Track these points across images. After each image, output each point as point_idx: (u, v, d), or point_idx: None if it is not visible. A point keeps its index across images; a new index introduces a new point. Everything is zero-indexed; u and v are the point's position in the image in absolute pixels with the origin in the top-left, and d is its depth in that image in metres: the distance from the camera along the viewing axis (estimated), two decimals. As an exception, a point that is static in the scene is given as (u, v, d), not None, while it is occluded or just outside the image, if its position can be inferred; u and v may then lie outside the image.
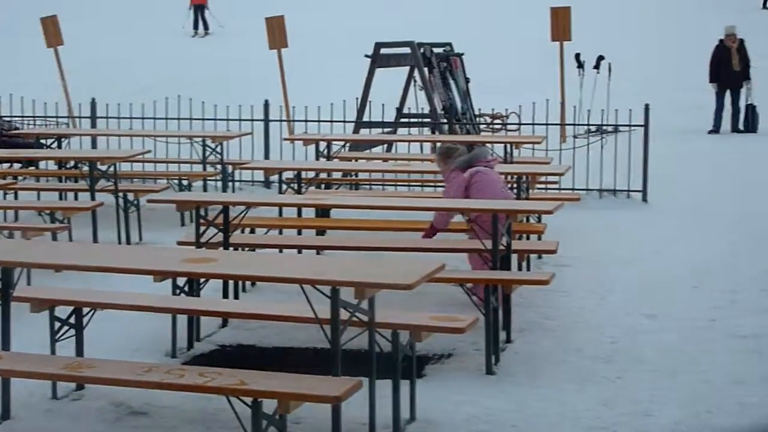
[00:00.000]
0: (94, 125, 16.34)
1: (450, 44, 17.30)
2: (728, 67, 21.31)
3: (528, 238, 10.83)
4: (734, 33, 21.58)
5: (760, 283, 10.17)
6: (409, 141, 15.60)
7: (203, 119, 15.78)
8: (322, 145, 13.40)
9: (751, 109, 21.31)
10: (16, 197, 13.02)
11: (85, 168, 12.13)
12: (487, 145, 14.12)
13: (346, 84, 19.53)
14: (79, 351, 7.11)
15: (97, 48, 30.70)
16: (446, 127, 15.81)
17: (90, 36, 31.68)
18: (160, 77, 25.29)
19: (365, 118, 15.86)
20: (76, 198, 12.81)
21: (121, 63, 28.94)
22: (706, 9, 41.98)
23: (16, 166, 14.72)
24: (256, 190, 15.16)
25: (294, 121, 16.79)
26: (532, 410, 6.85)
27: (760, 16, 42.48)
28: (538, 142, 13.75)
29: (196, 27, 36.62)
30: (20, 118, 16.91)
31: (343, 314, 5.91)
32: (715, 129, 21.16)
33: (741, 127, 21.21)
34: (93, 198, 11.71)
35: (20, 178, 13.67)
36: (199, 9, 36.69)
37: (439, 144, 10.08)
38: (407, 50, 16.11)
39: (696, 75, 29.34)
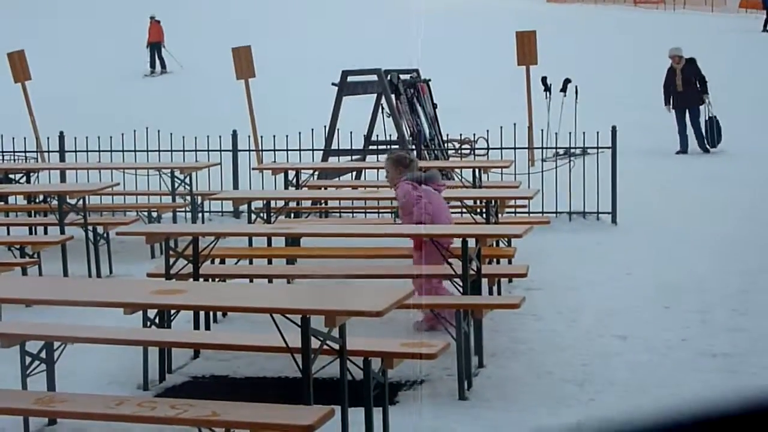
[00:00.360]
0: (62, 159, 16.30)
1: (417, 71, 17.37)
2: (675, 88, 21.49)
3: (498, 262, 10.86)
4: (677, 54, 21.72)
5: (730, 302, 10.23)
6: (378, 168, 15.60)
7: (171, 151, 15.77)
8: (291, 173, 13.41)
9: (711, 124, 21.42)
10: (-16, 233, 12.97)
11: (55, 202, 12.11)
12: (456, 170, 14.22)
13: (313, 112, 19.55)
14: (51, 385, 7.08)
15: (64, 83, 30.63)
16: (414, 153, 15.85)
17: (58, 71, 31.61)
18: (127, 111, 25.25)
19: (333, 146, 15.89)
20: (45, 232, 12.78)
21: (88, 98, 28.89)
22: (683, 32, 42.33)
23: (-15, 201, 14.67)
24: (225, 220, 15.15)
25: (262, 150, 16.81)
26: (506, 434, 6.86)
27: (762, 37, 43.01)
28: (507, 167, 13.81)
29: (152, 66, 35.84)
30: (-12, 154, 16.86)
31: (314, 343, 5.92)
32: (683, 149, 21.28)
33: (707, 145, 21.34)
34: (62, 232, 11.68)
35: (-11, 213, 13.62)
36: (155, 47, 35.88)
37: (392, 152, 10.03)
38: (374, 78, 16.17)
39: (661, 95, 29.59)
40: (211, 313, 9.50)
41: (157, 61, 35.85)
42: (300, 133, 15.55)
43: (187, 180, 14.13)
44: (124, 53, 35.86)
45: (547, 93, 20.72)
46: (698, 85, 21.35)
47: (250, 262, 10.87)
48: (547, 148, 16.44)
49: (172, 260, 8.75)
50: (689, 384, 7.81)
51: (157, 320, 8.15)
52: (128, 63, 35.11)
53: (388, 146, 16.50)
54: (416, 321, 9.01)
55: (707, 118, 21.37)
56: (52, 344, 7.14)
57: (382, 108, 16.62)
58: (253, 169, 14.90)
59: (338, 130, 15.71)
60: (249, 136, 17.50)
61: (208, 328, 9.29)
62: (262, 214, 11.69)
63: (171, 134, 15.68)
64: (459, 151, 19.19)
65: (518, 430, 6.93)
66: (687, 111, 21.40)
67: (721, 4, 70.34)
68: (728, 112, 23.77)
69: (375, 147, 16.76)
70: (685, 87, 21.36)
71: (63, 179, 16.10)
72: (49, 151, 17.18)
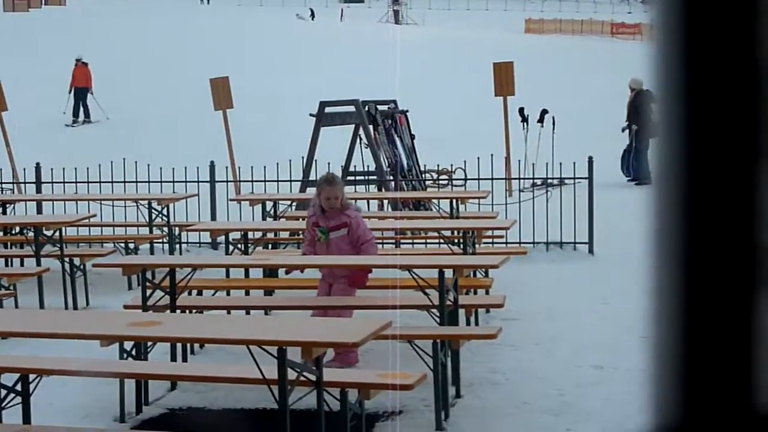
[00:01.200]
0: (39, 190, 16.25)
1: (395, 101, 17.43)
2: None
3: (475, 293, 10.87)
4: (631, 85, 21.83)
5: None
6: (356, 199, 15.63)
7: (149, 182, 15.75)
8: (269, 204, 13.41)
9: (632, 155, 21.50)
10: (-40, 264, 12.91)
11: (31, 234, 12.07)
12: (434, 200, 14.25)
13: (291, 143, 19.58)
14: (26, 418, 7.04)
15: (41, 113, 30.59)
16: (392, 184, 15.88)
17: (33, 101, 31.57)
18: (101, 140, 25.22)
19: (311, 177, 15.90)
20: (21, 264, 12.73)
21: (64, 126, 28.85)
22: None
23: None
24: (203, 251, 15.13)
25: (240, 181, 16.81)
26: (483, 465, 6.86)
27: None
28: (484, 197, 13.85)
29: (75, 114, 32.43)
30: (-36, 185, 16.81)
31: (291, 374, 5.91)
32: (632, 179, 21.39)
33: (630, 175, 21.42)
34: (39, 264, 11.64)
35: (-35, 245, 13.57)
36: (80, 93, 32.42)
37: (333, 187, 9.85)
38: (352, 108, 16.21)
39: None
40: (188, 345, 9.48)
41: (81, 110, 32.57)
42: (278, 163, 15.57)
43: (165, 211, 14.11)
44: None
45: (525, 123, 20.83)
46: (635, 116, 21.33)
47: (228, 294, 10.84)
48: (524, 178, 16.51)
49: (149, 292, 8.74)
50: (666, 414, 7.82)
51: (133, 352, 8.12)
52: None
53: (366, 177, 16.54)
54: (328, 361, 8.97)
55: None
56: (27, 377, 7.10)
57: (360, 139, 16.65)
58: (231, 200, 14.89)
59: (316, 160, 15.73)
60: (227, 167, 17.51)
61: (185, 359, 9.26)
62: (239, 245, 11.69)
63: (148, 165, 15.67)
64: (437, 182, 19.24)
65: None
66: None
67: (696, 35, 70.74)
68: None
69: (353, 177, 16.78)
70: (631, 112, 21.41)
71: (39, 211, 16.04)
72: (25, 183, 17.13)
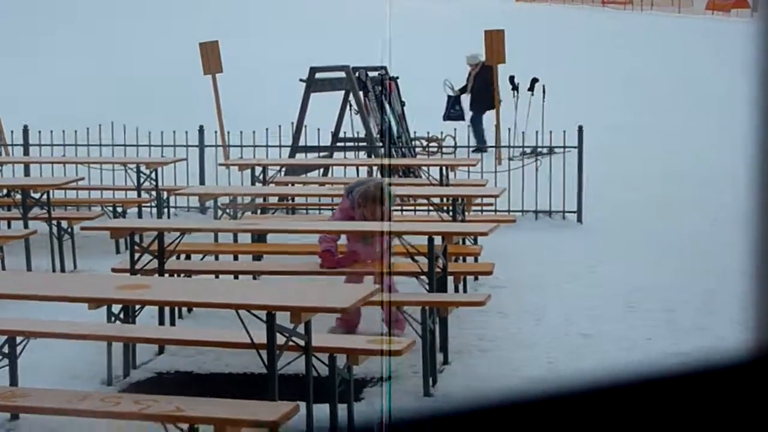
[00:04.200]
0: (26, 153, 16.17)
1: (385, 68, 17.35)
2: (472, 91, 21.60)
3: (464, 260, 10.87)
4: (471, 62, 21.71)
5: (696, 302, 10.27)
6: (345, 165, 15.62)
7: (137, 146, 15.68)
8: (258, 170, 13.37)
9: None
10: (-53, 226, 12.86)
11: (18, 196, 12.01)
12: (423, 168, 14.22)
13: (281, 109, 19.51)
14: (13, 381, 7.03)
15: (29, 76, 30.44)
16: (382, 150, 15.85)
17: (21, 64, 31.41)
18: (89, 103, 25.10)
19: (301, 143, 15.85)
20: (9, 226, 12.67)
21: (52, 89, 28.72)
22: (650, 32, 42.62)
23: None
24: (191, 216, 15.08)
25: (229, 146, 16.74)
26: (471, 432, 6.85)
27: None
28: (474, 165, 13.82)
29: None
30: (-49, 147, 16.72)
31: (280, 339, 5.90)
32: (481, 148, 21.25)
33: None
34: (26, 226, 11.59)
35: (-48, 207, 13.51)
36: None
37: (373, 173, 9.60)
38: (342, 74, 16.14)
39: (627, 95, 29.76)
40: (177, 309, 9.45)
41: None
42: (267, 129, 15.52)
43: (153, 175, 14.05)
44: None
45: (515, 92, 20.78)
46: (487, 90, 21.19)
47: (216, 258, 10.82)
48: (514, 147, 16.47)
49: (137, 255, 8.71)
50: (653, 382, 7.84)
51: (121, 315, 8.10)
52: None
53: (356, 143, 16.49)
54: (332, 326, 8.95)
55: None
56: (14, 339, 7.09)
57: (350, 105, 16.59)
58: (220, 164, 14.84)
59: (306, 126, 15.67)
60: (216, 132, 17.44)
61: (173, 323, 9.24)
62: (228, 210, 11.65)
63: (137, 129, 15.61)
64: (426, 149, 19.21)
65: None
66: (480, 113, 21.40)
67: (687, 5, 70.81)
68: (694, 112, 23.90)
69: (342, 144, 16.73)
70: (480, 91, 21.24)
71: (27, 173, 15.97)
72: (12, 145, 17.04)
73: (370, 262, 8.98)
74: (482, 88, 21.06)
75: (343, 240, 9.35)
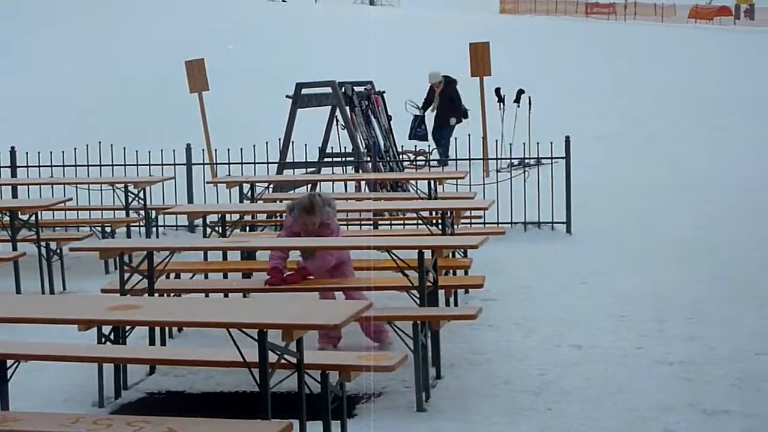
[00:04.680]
0: (14, 174, 16.14)
1: (371, 83, 17.38)
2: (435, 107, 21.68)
3: (454, 274, 10.85)
4: (433, 81, 21.75)
5: (686, 311, 10.28)
6: (333, 180, 15.60)
7: (125, 165, 15.67)
8: (246, 187, 13.36)
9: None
10: (-65, 250, 12.82)
11: (6, 218, 11.97)
12: (411, 182, 14.22)
13: (268, 125, 19.52)
14: (4, 404, 6.99)
15: (14, 96, 30.38)
16: (369, 165, 15.85)
17: (7, 85, 31.36)
18: (76, 124, 25.08)
19: (288, 159, 15.85)
20: (-3, 248, 12.64)
21: (38, 110, 28.68)
22: (633, 42, 42.78)
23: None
24: (180, 234, 15.06)
25: (217, 164, 16.74)
26: (464, 446, 6.85)
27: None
28: (461, 177, 13.82)
29: None
30: (-62, 170, 16.66)
31: (272, 357, 5.88)
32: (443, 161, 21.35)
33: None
34: (15, 248, 11.55)
35: (-60, 230, 13.46)
36: None
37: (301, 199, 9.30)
38: (328, 90, 16.16)
39: (613, 105, 29.85)
40: (167, 329, 9.44)
41: None
42: (254, 146, 15.51)
43: (141, 194, 14.04)
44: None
45: (501, 104, 20.82)
46: (452, 105, 21.31)
47: (206, 277, 10.78)
48: (501, 158, 16.50)
49: (126, 275, 8.69)
50: (645, 392, 7.84)
51: (112, 336, 8.07)
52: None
53: (344, 158, 16.49)
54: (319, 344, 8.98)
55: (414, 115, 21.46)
56: (5, 362, 7.05)
57: (337, 120, 16.60)
58: (208, 182, 14.83)
59: (293, 142, 15.68)
60: (203, 150, 17.44)
61: (163, 343, 9.22)
62: (217, 228, 11.63)
63: (124, 148, 15.58)
64: (414, 163, 19.22)
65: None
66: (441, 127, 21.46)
67: (670, 14, 71.10)
68: (679, 120, 23.95)
69: (330, 159, 16.73)
70: (446, 107, 21.37)
71: (15, 195, 15.94)
72: (0, 166, 17.01)
73: (320, 276, 8.98)
74: (448, 104, 21.21)
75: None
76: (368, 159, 16.00)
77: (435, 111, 21.60)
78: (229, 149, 15.58)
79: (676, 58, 42.21)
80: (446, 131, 21.20)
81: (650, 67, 39.55)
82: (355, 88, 16.55)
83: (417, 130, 21.38)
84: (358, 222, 13.51)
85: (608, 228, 14.78)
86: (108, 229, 13.72)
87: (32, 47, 39.24)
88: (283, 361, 5.98)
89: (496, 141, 16.58)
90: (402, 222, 13.74)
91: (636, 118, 28.01)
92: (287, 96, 16.17)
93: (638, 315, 10.14)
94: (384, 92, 17.49)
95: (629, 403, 7.59)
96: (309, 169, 16.37)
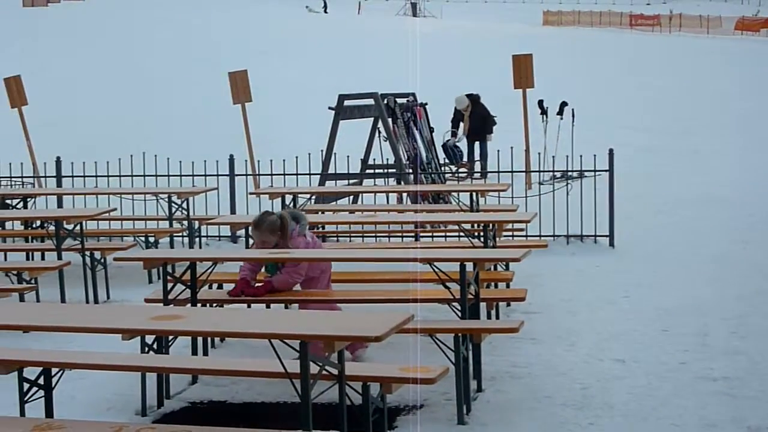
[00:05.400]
0: (59, 184, 16.29)
1: (413, 94, 17.39)
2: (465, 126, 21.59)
3: (496, 286, 10.84)
4: (459, 106, 21.66)
5: (729, 325, 10.21)
6: (375, 192, 15.63)
7: (168, 176, 15.76)
8: (288, 198, 13.40)
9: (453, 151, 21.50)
10: (-18, 259, 12.96)
11: (52, 227, 12.07)
12: (453, 194, 14.22)
13: (310, 136, 19.58)
14: (49, 412, 7.05)
15: (60, 107, 30.63)
16: (412, 177, 15.86)
17: (53, 95, 31.62)
18: (121, 134, 25.25)
19: (330, 170, 15.89)
20: (42, 258, 12.75)
21: (84, 121, 28.90)
22: (679, 54, 42.50)
23: (-18, 227, 14.64)
24: (223, 245, 15.14)
25: (259, 175, 16.80)
26: (505, 459, 6.84)
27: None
28: (504, 190, 13.79)
29: None
30: (-15, 179, 16.86)
31: (313, 368, 5.89)
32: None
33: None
34: (60, 257, 11.65)
35: (-14, 239, 13.61)
36: None
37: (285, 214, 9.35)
38: (371, 101, 16.18)
39: (658, 117, 29.68)
40: (209, 339, 9.48)
41: None
42: (297, 157, 15.56)
43: (185, 205, 14.13)
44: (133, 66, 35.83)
45: (544, 116, 20.77)
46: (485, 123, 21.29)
47: (248, 287, 10.80)
48: (544, 171, 16.45)
49: (169, 285, 8.74)
50: (688, 408, 7.79)
51: (155, 346, 8.13)
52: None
53: (385, 170, 16.51)
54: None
55: (451, 146, 21.37)
56: (50, 370, 7.11)
57: (379, 132, 16.62)
58: (251, 193, 14.89)
59: (335, 154, 15.71)
60: (246, 161, 17.52)
61: (206, 353, 9.27)
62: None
63: (168, 159, 15.68)
64: (456, 175, 19.21)
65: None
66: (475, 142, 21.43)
67: (716, 26, 70.64)
68: (724, 133, 23.79)
69: (372, 171, 16.76)
70: (476, 126, 21.35)
71: (60, 205, 16.09)
72: (45, 177, 17.17)
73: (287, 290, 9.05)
74: (481, 123, 21.21)
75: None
76: (410, 171, 16.01)
77: (466, 133, 21.57)
78: (271, 160, 15.64)
79: (722, 71, 41.94)
80: (484, 144, 21.21)
81: (695, 79, 39.34)
82: (397, 99, 16.57)
83: (454, 153, 21.35)
84: (400, 234, 13.52)
85: (651, 241, 14.71)
86: (151, 239, 13.81)
87: (78, 60, 39.59)
88: (324, 372, 6.00)
89: (539, 153, 16.56)
90: (444, 234, 13.74)
91: (680, 131, 27.85)
92: (330, 108, 16.21)
93: (681, 329, 10.09)
94: (426, 104, 17.50)
95: (672, 419, 7.54)
96: (351, 181, 16.39)
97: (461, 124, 21.56)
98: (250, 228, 9.20)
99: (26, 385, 7.07)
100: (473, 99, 21.51)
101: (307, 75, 36.24)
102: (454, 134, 21.48)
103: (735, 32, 67.98)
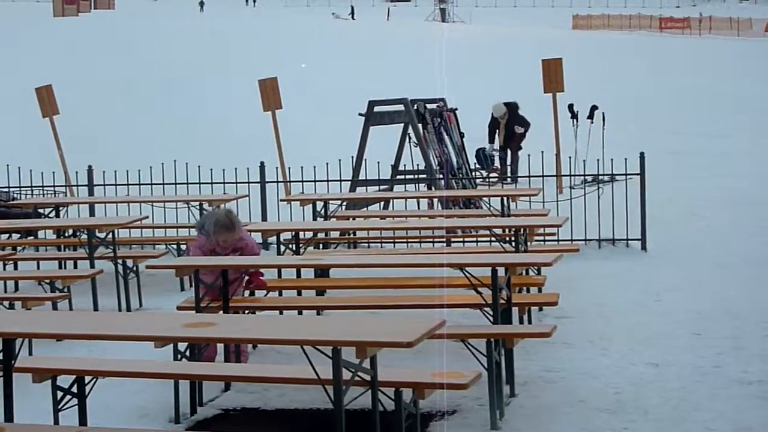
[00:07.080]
0: (91, 193, 16.35)
1: (443, 100, 17.37)
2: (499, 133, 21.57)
3: (528, 291, 10.82)
4: (496, 113, 21.58)
5: (763, 328, 10.14)
6: (406, 197, 15.61)
7: (199, 183, 15.80)
8: (319, 204, 13.41)
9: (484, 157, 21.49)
10: (15, 267, 13.02)
11: (84, 236, 12.13)
12: (484, 198, 14.19)
13: (341, 143, 19.59)
14: (83, 420, 7.08)
15: (92, 116, 30.79)
16: (442, 182, 15.84)
17: (84, 104, 31.78)
18: (151, 142, 25.34)
19: (361, 176, 15.89)
20: (75, 266, 12.81)
21: (115, 129, 29.04)
22: (709, 56, 42.30)
23: (15, 236, 14.70)
24: (254, 251, 15.14)
25: (290, 181, 16.81)
26: (539, 464, 6.81)
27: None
28: (535, 194, 13.75)
29: None
30: (18, 189, 16.93)
31: (345, 374, 5.89)
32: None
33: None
34: (92, 266, 11.70)
35: (19, 248, 13.68)
36: None
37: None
38: (401, 107, 16.17)
39: (688, 120, 29.54)
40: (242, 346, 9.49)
41: None
42: (327, 163, 15.57)
43: (216, 212, 14.15)
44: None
45: (574, 120, 20.70)
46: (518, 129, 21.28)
47: (280, 294, 10.84)
48: (575, 175, 16.38)
49: (201, 293, 8.76)
50: (724, 411, 7.75)
51: (187, 353, 8.15)
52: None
53: (416, 176, 16.49)
54: None
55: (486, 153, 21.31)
56: (83, 378, 7.15)
57: (409, 137, 16.61)
58: (281, 200, 14.91)
59: (365, 160, 15.71)
60: (276, 168, 17.54)
61: (238, 360, 9.28)
62: (290, 246, 11.69)
63: (199, 167, 15.72)
64: (487, 180, 19.18)
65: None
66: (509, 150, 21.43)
67: (746, 28, 70.32)
68: (756, 136, 23.64)
69: (403, 177, 16.74)
70: (511, 134, 21.33)
71: (92, 213, 16.15)
72: (77, 185, 17.25)
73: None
74: (512, 131, 21.19)
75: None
76: (441, 176, 15.98)
77: (502, 144, 21.56)
78: (302, 167, 15.66)
79: (752, 73, 41.73)
80: (515, 151, 21.21)
81: (726, 81, 39.16)
82: (427, 105, 16.55)
83: (485, 158, 21.34)
84: (431, 239, 13.49)
85: (683, 244, 14.63)
86: (183, 247, 13.84)
87: (109, 69, 39.78)
88: (357, 378, 5.99)
89: (570, 157, 16.51)
90: (475, 239, 13.71)
91: (711, 133, 27.71)
92: (360, 114, 16.21)
93: (715, 332, 10.03)
94: (456, 109, 17.47)
95: (707, 423, 7.50)
96: (381, 187, 16.38)
97: (496, 137, 21.57)
98: (204, 230, 9.35)
99: (60, 394, 7.11)
100: (510, 107, 21.48)
101: (337, 81, 36.28)
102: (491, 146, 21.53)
103: (765, 34, 67.63)
